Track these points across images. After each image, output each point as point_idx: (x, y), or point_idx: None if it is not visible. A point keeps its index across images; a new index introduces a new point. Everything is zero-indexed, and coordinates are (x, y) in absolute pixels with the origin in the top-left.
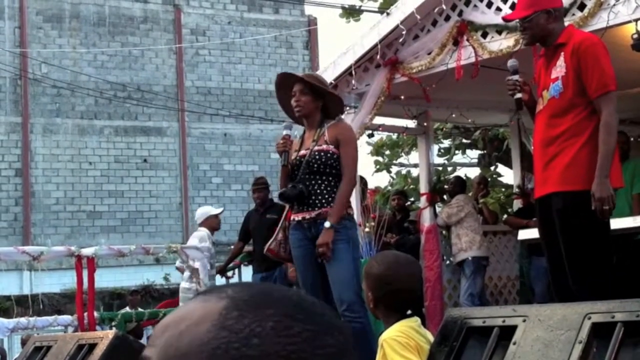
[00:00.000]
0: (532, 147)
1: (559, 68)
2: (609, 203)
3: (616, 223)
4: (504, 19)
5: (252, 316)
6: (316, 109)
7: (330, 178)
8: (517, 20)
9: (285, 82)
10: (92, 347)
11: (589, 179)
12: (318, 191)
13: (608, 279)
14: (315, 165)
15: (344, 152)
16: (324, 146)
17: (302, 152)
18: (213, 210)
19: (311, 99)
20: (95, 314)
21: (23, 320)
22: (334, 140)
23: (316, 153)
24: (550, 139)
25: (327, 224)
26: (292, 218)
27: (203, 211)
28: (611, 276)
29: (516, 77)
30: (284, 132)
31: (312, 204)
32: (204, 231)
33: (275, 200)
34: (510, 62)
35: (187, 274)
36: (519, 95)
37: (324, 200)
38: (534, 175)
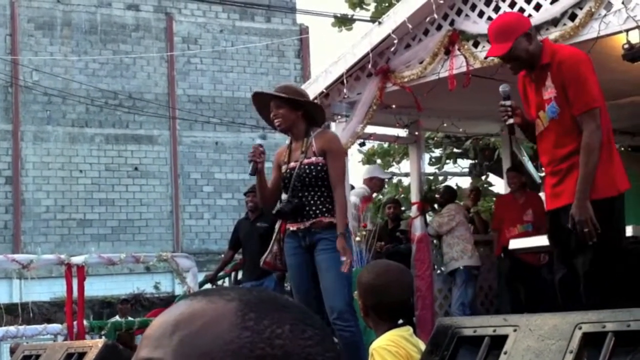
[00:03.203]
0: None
1: (549, 89)
2: (588, 225)
3: None
4: (486, 57)
5: (270, 318)
6: (297, 119)
7: (323, 189)
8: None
9: (263, 100)
10: (82, 355)
11: (602, 187)
12: (312, 202)
13: (620, 287)
14: (307, 179)
15: (333, 165)
16: (313, 159)
17: (292, 164)
18: (381, 174)
19: (288, 110)
20: (85, 322)
21: (12, 328)
22: (321, 151)
23: (306, 166)
24: (561, 158)
25: (338, 233)
26: (286, 227)
27: (371, 169)
28: (620, 284)
29: (508, 102)
30: (257, 142)
31: (306, 215)
32: (362, 189)
33: None
34: (502, 88)
35: None
36: (511, 120)
37: (317, 211)
38: (545, 192)
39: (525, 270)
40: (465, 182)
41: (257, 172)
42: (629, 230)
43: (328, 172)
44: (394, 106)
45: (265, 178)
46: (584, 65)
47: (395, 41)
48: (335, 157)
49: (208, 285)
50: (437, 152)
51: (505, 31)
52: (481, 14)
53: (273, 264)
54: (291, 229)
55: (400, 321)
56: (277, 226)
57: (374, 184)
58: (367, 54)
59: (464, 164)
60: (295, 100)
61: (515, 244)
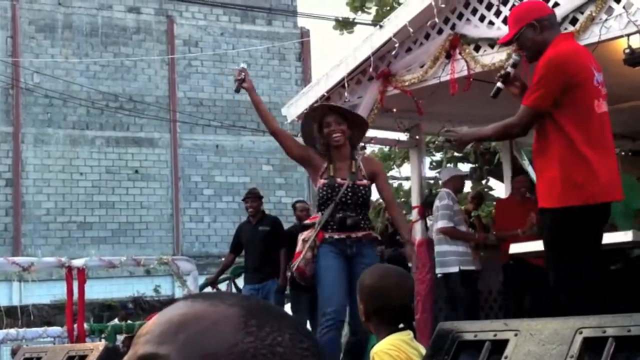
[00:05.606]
0: None
1: None
2: (459, 141)
3: (607, 238)
4: (498, 43)
5: (271, 325)
6: (347, 138)
7: (367, 208)
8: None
9: (314, 115)
10: (83, 358)
11: (564, 196)
12: (362, 217)
13: (589, 293)
14: (361, 200)
15: (385, 187)
16: (365, 181)
17: (340, 180)
18: (459, 172)
19: (347, 128)
20: (85, 325)
21: (12, 331)
22: (371, 174)
23: (361, 188)
24: (534, 153)
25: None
26: (330, 236)
27: (447, 171)
28: (596, 290)
29: (510, 69)
30: (242, 65)
31: (360, 228)
32: (444, 191)
33: (267, 212)
34: (514, 55)
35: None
36: (499, 84)
37: (366, 226)
38: None
39: (533, 274)
40: (466, 187)
41: (246, 89)
42: (630, 236)
43: (369, 194)
44: (394, 110)
45: (257, 96)
46: (553, 68)
47: (397, 45)
48: (385, 179)
49: (209, 289)
50: (438, 156)
51: (514, 19)
52: (482, 18)
53: (303, 269)
54: (335, 237)
55: (401, 325)
56: (313, 234)
57: (456, 182)
58: (368, 57)
59: (465, 168)
60: (358, 118)
61: (515, 248)
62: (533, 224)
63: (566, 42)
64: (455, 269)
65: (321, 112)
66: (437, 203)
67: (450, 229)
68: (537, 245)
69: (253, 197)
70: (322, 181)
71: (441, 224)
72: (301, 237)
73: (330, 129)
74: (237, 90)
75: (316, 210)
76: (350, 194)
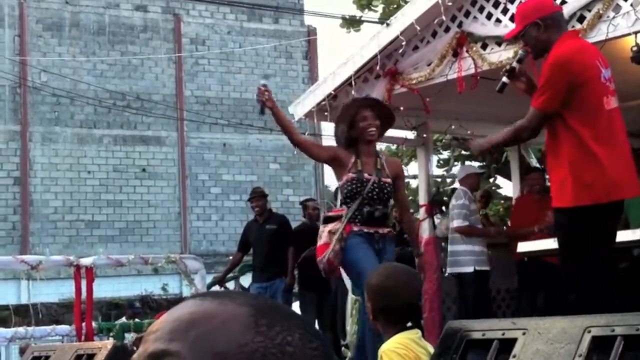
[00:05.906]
0: None
1: None
2: (477, 153)
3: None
4: (504, 38)
5: (281, 325)
6: None
7: (389, 204)
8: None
9: (351, 109)
10: (91, 357)
11: (575, 196)
12: (385, 214)
13: (600, 293)
14: (386, 196)
15: (403, 187)
16: (389, 179)
17: (367, 175)
18: (475, 170)
19: (381, 125)
20: (94, 323)
21: (21, 329)
22: (394, 175)
23: (386, 184)
24: (546, 152)
25: (419, 254)
26: (360, 229)
27: (465, 168)
28: (606, 289)
29: (515, 64)
30: (262, 82)
31: (385, 224)
32: (461, 189)
33: (275, 210)
34: (520, 50)
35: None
36: (504, 79)
37: (388, 223)
38: None
39: (548, 272)
40: None
41: (270, 109)
42: (638, 234)
43: (392, 192)
44: (402, 108)
45: (280, 112)
46: (558, 69)
47: (403, 43)
48: (403, 180)
49: (216, 287)
50: (445, 154)
51: (520, 15)
52: (489, 16)
53: (332, 261)
54: (365, 230)
55: (409, 324)
56: (340, 226)
57: (472, 180)
58: (375, 55)
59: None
60: (391, 114)
61: (524, 247)
62: (548, 223)
63: (570, 40)
64: (470, 269)
65: (358, 105)
66: (453, 202)
67: (466, 227)
68: (546, 244)
69: (258, 196)
70: (350, 175)
71: (457, 223)
72: (326, 228)
73: (366, 122)
74: (262, 112)
75: (340, 204)
76: (377, 189)
